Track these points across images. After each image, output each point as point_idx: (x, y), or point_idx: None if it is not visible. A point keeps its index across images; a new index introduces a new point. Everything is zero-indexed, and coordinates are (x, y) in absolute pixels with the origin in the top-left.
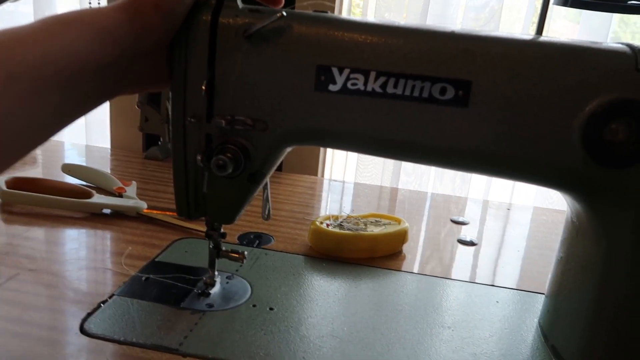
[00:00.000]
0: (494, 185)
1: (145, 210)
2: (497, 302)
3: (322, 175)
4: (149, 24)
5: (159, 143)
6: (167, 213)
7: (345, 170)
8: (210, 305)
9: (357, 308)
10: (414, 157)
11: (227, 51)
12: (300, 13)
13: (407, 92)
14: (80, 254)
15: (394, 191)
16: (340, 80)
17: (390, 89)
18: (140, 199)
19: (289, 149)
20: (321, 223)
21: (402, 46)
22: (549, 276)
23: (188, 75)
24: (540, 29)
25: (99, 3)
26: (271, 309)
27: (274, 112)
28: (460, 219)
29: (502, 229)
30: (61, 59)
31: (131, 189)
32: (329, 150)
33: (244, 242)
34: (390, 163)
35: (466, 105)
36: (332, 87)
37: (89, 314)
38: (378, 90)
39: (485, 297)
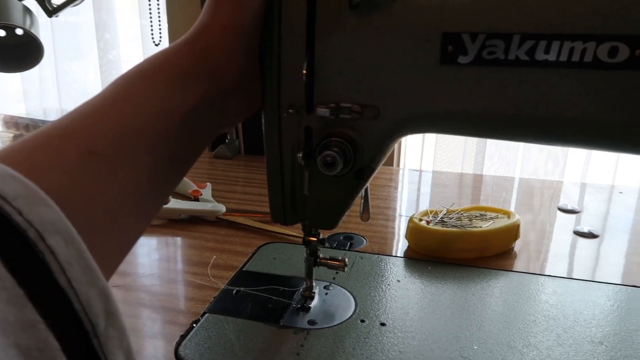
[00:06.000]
0: (592, 166)
1: (224, 214)
2: None
3: (397, 165)
4: (221, 57)
5: (226, 141)
6: (248, 215)
7: (422, 157)
8: (312, 322)
9: (481, 320)
10: (568, 139)
11: (330, 26)
12: None
13: (563, 58)
14: (163, 266)
15: (477, 178)
16: (472, 49)
17: (539, 56)
18: (216, 201)
19: (401, 139)
20: (420, 220)
21: None
22: None
23: (282, 59)
24: None
25: (158, 8)
26: (382, 324)
27: (388, 96)
28: (570, 207)
29: (621, 217)
30: (140, 121)
31: (207, 192)
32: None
33: (334, 245)
34: (471, 147)
35: None
36: (462, 59)
37: (182, 337)
38: (523, 57)
39: (632, 301)
